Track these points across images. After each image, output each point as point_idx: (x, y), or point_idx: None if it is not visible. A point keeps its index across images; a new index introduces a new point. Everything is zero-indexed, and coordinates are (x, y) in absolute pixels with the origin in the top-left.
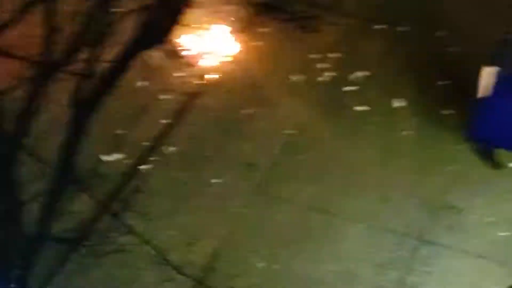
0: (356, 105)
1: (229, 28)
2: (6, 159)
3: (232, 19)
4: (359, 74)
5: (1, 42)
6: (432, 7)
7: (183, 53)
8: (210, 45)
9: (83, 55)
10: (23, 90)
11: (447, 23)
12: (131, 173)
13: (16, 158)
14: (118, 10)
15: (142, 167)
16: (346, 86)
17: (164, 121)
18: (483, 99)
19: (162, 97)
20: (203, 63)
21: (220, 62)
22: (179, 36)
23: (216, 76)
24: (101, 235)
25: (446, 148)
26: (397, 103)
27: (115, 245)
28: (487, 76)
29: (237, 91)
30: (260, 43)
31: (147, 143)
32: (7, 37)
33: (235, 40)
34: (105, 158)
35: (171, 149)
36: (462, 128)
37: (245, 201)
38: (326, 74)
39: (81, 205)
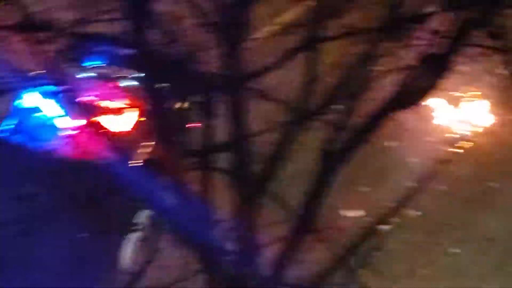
0: None
1: (486, 99)
2: (249, 201)
3: (491, 90)
4: None
5: (262, 85)
6: None
7: (437, 118)
8: (465, 113)
9: (339, 107)
10: (275, 134)
11: None
12: (370, 231)
13: (259, 201)
14: (378, 67)
15: (382, 227)
16: None
17: (409, 184)
18: None
19: (410, 160)
20: (456, 131)
21: (473, 132)
22: (435, 101)
23: (467, 145)
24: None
25: None
26: None
27: None
28: None
29: (486, 163)
30: None
31: (389, 204)
32: (267, 81)
33: (491, 111)
34: (346, 213)
35: (413, 213)
36: None
37: (481, 277)
38: None
39: (317, 256)
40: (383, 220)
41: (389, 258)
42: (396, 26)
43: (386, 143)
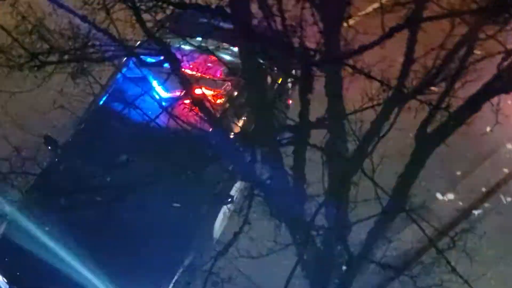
0: None
1: None
2: (343, 179)
3: None
4: None
5: (362, 62)
6: None
7: None
8: None
9: (439, 88)
10: (374, 112)
11: None
12: (463, 214)
13: (352, 179)
14: (479, 50)
15: (475, 211)
16: None
17: (505, 170)
18: None
19: (508, 146)
20: None
21: None
22: None
23: None
24: (424, 268)
25: None
26: None
27: (436, 281)
28: None
29: None
30: None
31: (484, 189)
32: (368, 58)
33: None
34: (439, 195)
35: (508, 199)
36: None
37: None
38: None
39: (408, 236)
40: (476, 205)
41: (480, 242)
42: (500, 8)
43: (483, 128)
